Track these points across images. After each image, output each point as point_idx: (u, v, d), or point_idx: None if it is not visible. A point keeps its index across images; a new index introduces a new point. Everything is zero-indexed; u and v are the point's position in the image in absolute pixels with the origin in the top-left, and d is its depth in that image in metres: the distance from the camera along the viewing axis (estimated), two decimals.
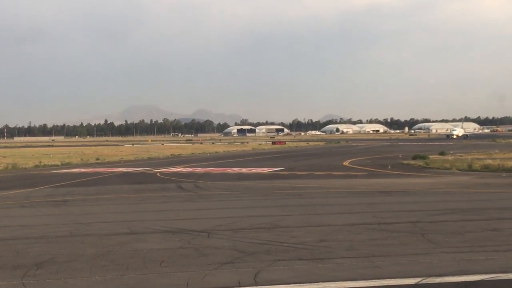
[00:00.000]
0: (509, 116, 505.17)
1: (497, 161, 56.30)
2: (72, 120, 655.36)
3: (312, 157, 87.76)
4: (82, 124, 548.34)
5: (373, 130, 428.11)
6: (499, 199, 30.74)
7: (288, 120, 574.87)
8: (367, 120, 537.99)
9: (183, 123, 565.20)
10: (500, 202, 29.18)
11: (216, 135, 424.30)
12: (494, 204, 28.50)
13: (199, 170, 60.21)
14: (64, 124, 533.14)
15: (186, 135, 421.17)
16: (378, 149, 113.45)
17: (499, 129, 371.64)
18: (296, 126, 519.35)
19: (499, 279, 13.66)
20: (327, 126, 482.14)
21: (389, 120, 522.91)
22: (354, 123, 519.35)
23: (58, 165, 73.07)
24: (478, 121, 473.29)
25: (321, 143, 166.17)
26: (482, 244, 17.80)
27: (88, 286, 13.92)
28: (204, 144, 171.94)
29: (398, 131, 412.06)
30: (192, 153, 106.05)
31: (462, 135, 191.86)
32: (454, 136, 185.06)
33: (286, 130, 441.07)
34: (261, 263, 15.66)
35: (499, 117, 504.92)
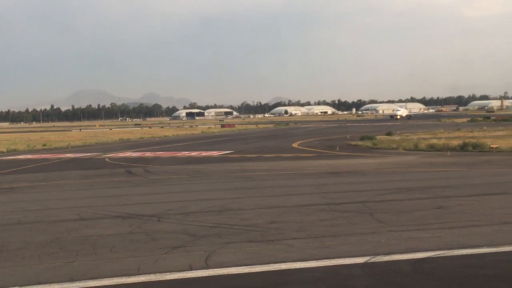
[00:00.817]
0: (453, 97, 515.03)
1: (442, 141, 57.52)
2: (17, 106, 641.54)
3: (261, 139, 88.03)
4: (27, 109, 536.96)
5: (321, 112, 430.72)
6: (444, 178, 31.41)
7: (237, 103, 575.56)
8: (315, 102, 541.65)
9: (131, 108, 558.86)
10: (445, 181, 29.81)
11: (164, 119, 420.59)
12: (439, 182, 29.11)
13: (148, 154, 59.80)
14: (8, 110, 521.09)
15: (134, 119, 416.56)
16: (326, 130, 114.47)
17: (443, 109, 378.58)
18: (245, 109, 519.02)
19: (444, 256, 14.01)
20: (276, 109, 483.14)
21: (337, 102, 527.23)
22: (303, 105, 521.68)
23: (3, 152, 71.59)
24: (423, 101, 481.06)
25: (270, 126, 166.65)
26: (428, 222, 18.18)
27: (38, 273, 13.74)
28: (153, 128, 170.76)
29: (346, 112, 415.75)
30: (141, 138, 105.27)
31: (406, 115, 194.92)
32: (398, 117, 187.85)
33: (235, 113, 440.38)
34: (212, 246, 15.70)
35: (444, 97, 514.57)
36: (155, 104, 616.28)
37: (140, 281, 12.85)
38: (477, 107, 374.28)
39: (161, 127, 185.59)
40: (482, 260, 13.69)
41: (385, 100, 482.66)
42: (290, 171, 37.57)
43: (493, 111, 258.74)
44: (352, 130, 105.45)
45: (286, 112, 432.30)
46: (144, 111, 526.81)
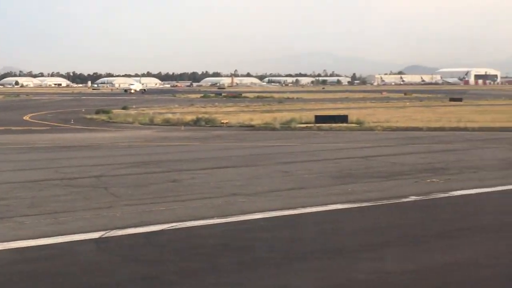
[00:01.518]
0: (187, 72, 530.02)
1: (177, 116, 59.08)
2: None
3: None
4: None
5: (55, 84, 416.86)
6: (178, 152, 32.37)
7: None
8: (49, 74, 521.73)
9: None
10: (179, 155, 30.73)
11: None
12: (173, 156, 29.92)
13: None
14: None
15: None
16: (60, 103, 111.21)
17: (178, 84, 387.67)
18: None
19: (177, 228, 14.47)
20: (6, 79, 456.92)
21: (72, 74, 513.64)
22: (35, 76, 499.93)
23: None
24: (159, 76, 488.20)
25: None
26: (163, 195, 18.62)
27: None
28: None
29: (81, 85, 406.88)
30: None
31: (140, 89, 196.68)
32: (132, 91, 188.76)
33: None
34: None
35: (179, 73, 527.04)
36: None
37: None
38: (210, 83, 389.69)
39: None
40: (212, 230, 14.39)
41: (122, 74, 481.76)
42: (21, 145, 35.98)
43: (225, 88, 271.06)
44: (87, 104, 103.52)
45: (17, 83, 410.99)
46: None
